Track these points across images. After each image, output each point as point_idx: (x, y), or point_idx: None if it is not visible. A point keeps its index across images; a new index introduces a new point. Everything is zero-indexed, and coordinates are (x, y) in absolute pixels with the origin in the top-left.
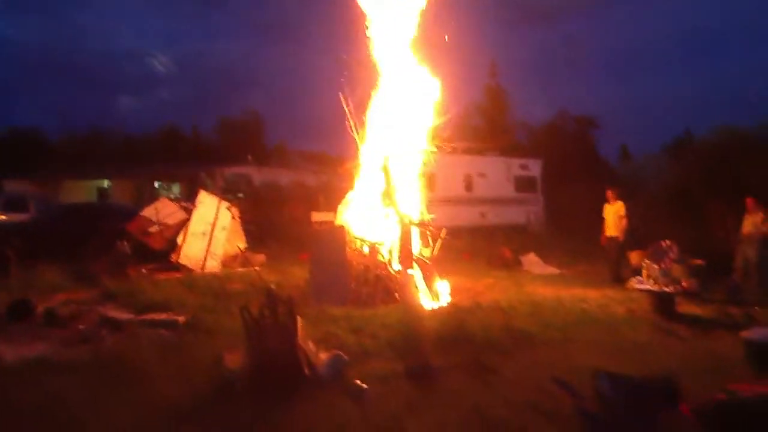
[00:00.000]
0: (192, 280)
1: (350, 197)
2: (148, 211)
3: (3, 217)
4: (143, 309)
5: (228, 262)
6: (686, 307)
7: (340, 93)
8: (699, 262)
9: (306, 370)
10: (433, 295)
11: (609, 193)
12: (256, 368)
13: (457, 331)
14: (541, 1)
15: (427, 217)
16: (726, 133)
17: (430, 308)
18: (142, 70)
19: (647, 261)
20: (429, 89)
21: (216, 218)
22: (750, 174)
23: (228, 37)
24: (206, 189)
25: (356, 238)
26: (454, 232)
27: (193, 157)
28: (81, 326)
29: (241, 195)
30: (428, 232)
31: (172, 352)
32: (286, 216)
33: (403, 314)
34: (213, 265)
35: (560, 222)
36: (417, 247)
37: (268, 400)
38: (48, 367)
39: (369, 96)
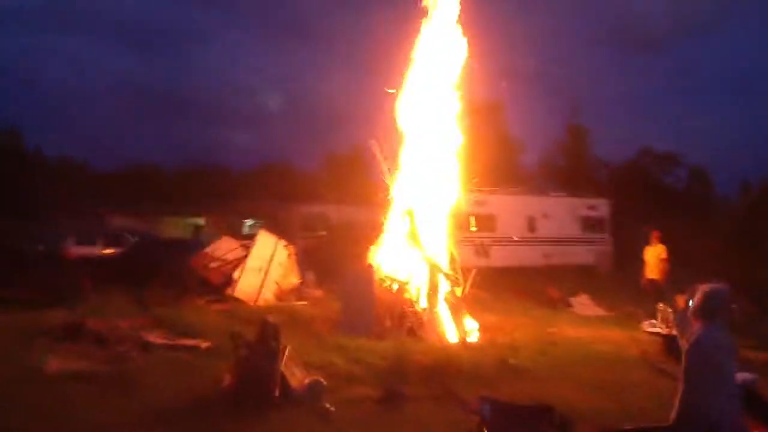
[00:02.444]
0: (238, 312)
1: (383, 237)
2: (211, 248)
3: (108, 251)
4: (182, 335)
5: (283, 296)
6: None
7: (371, 141)
8: (732, 305)
9: (277, 392)
10: (460, 332)
11: (653, 235)
12: (237, 387)
13: (446, 364)
14: (642, 29)
15: (457, 257)
16: None
17: (451, 343)
18: (252, 107)
19: (662, 304)
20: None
21: (273, 255)
22: None
23: (331, 74)
24: (283, 227)
25: (386, 277)
26: (517, 272)
27: (284, 195)
28: (119, 347)
29: (323, 233)
30: (456, 274)
31: (184, 371)
32: (355, 253)
33: (398, 347)
34: (266, 299)
35: (631, 262)
36: (445, 286)
37: (241, 414)
38: (77, 378)
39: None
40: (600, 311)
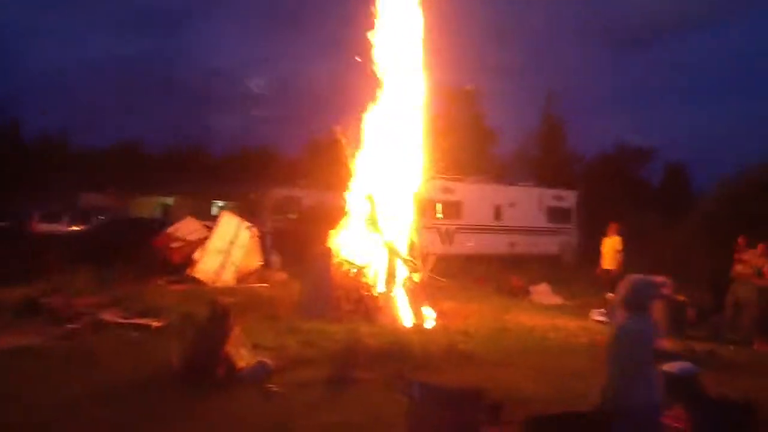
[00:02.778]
0: (195, 292)
1: (344, 222)
2: (173, 228)
3: (74, 228)
4: (138, 314)
5: (245, 278)
6: None
7: (336, 126)
8: (681, 298)
9: (221, 372)
10: (416, 317)
11: (611, 227)
12: (184, 366)
13: (398, 348)
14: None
15: (417, 243)
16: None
17: (405, 328)
18: (236, 89)
19: (610, 295)
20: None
21: (235, 237)
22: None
23: (315, 58)
24: (254, 210)
25: (344, 261)
26: (481, 259)
27: (261, 178)
28: (71, 325)
29: (292, 216)
30: (416, 258)
31: (134, 350)
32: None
33: (351, 331)
34: (227, 280)
35: (597, 254)
36: (403, 272)
37: (185, 393)
38: (26, 354)
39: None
40: (558, 300)
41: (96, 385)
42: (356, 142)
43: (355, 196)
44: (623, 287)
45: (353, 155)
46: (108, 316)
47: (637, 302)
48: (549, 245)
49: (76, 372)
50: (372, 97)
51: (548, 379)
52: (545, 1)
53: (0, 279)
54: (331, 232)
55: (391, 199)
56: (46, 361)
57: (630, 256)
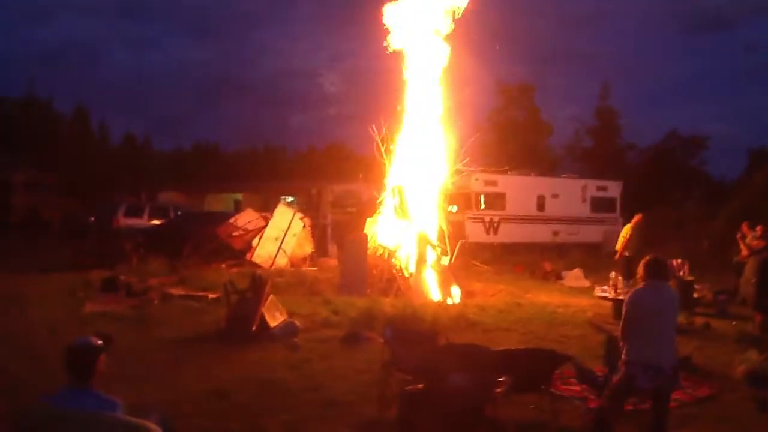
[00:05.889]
0: (250, 273)
1: (381, 210)
2: (233, 219)
3: (154, 222)
4: (199, 289)
5: (297, 262)
6: None
7: (372, 126)
8: (690, 278)
9: (254, 329)
10: (444, 295)
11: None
12: (227, 324)
13: (411, 315)
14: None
15: (445, 230)
16: None
17: (428, 302)
18: (311, 88)
19: (614, 273)
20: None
21: (289, 226)
22: None
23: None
24: (315, 204)
25: (379, 245)
26: (524, 247)
27: (329, 173)
28: (142, 297)
29: (352, 209)
30: (444, 244)
31: (192, 314)
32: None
33: (373, 302)
34: (281, 264)
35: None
36: (432, 255)
37: (227, 345)
38: (108, 317)
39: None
40: (587, 283)
41: (159, 338)
42: (395, 139)
43: (389, 189)
44: (641, 266)
45: (390, 151)
46: (174, 290)
47: (652, 273)
48: (592, 234)
49: (145, 330)
50: (414, 95)
51: (539, 342)
52: None
53: (89, 264)
54: (369, 220)
55: (422, 191)
56: (122, 322)
57: (664, 243)
